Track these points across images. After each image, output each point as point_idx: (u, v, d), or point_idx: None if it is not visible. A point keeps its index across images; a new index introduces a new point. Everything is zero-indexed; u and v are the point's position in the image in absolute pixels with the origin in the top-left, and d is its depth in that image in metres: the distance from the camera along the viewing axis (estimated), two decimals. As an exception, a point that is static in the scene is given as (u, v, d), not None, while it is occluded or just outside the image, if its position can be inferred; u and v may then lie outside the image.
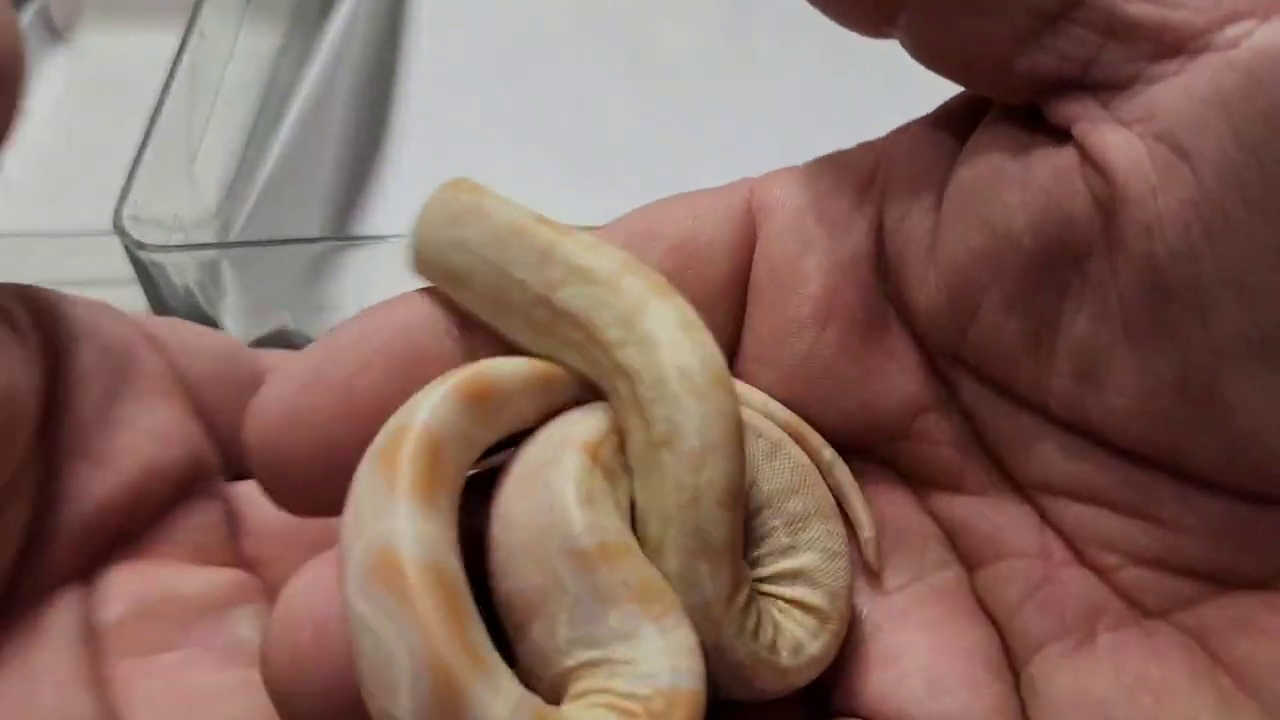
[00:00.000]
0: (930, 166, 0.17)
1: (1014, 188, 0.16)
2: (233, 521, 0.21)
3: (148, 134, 0.37)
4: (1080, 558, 0.17)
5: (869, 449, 0.18)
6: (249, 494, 0.21)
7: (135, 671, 0.18)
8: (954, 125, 0.17)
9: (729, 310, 0.18)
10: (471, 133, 0.47)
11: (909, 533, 0.18)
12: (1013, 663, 0.17)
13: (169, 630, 0.18)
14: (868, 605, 0.17)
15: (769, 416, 0.18)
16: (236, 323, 0.36)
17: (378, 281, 0.33)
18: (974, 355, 0.17)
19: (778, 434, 0.17)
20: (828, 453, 0.18)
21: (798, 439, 0.18)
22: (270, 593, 0.20)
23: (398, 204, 0.44)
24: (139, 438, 0.19)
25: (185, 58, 0.40)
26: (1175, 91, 0.14)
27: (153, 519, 0.19)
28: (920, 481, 0.18)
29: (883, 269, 0.18)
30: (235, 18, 0.45)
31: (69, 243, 0.39)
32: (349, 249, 0.36)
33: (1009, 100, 0.16)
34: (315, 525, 0.18)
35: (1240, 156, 0.14)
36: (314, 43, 0.47)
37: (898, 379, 0.18)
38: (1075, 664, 0.16)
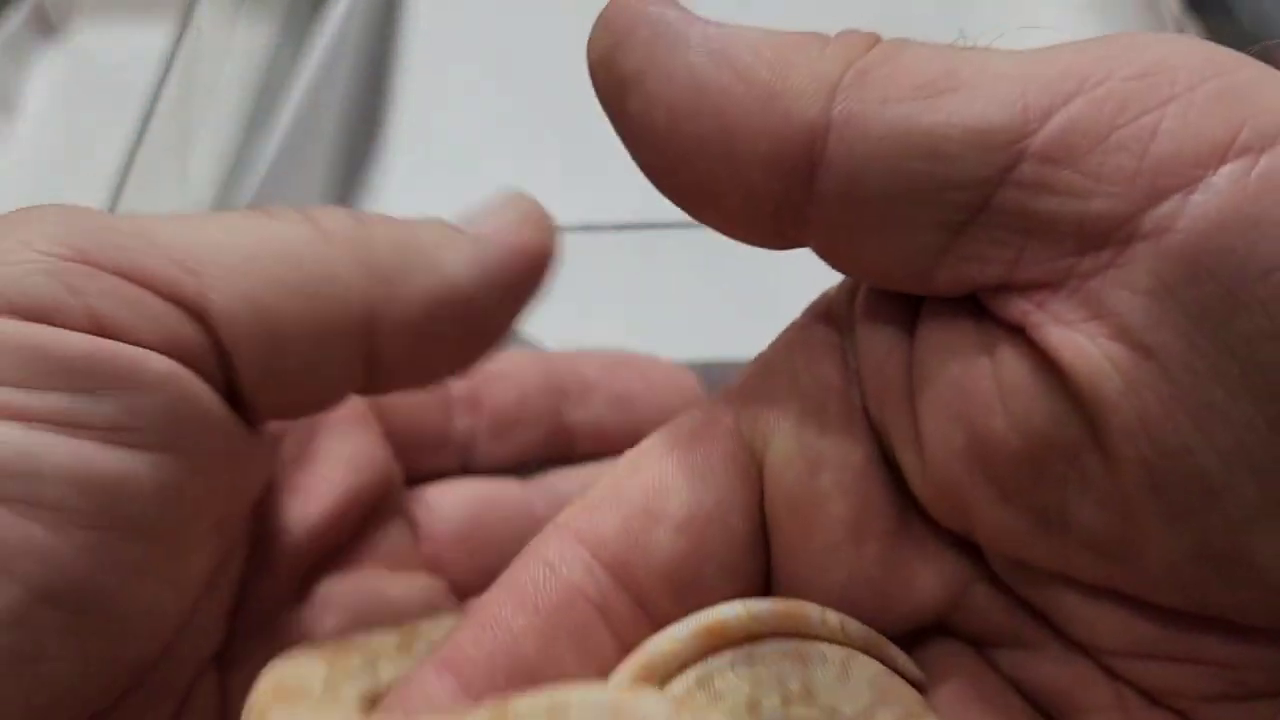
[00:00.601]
0: (891, 352, 0.16)
1: (987, 385, 0.15)
2: (413, 528, 0.22)
3: (142, 131, 0.36)
4: (1154, 702, 0.16)
5: (922, 628, 0.17)
6: (424, 499, 0.22)
7: None
8: (899, 302, 0.16)
9: (755, 556, 0.17)
10: (467, 130, 0.47)
11: (992, 695, 0.17)
12: None
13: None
14: None
15: (844, 633, 0.16)
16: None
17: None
18: (986, 541, 0.16)
19: (842, 653, 0.16)
20: (901, 659, 0.17)
21: (873, 649, 0.17)
22: (455, 594, 0.21)
23: (393, 201, 0.44)
24: (338, 468, 0.21)
25: (180, 54, 0.39)
26: (1115, 287, 0.13)
27: (353, 536, 0.21)
28: (983, 643, 0.17)
29: (884, 465, 0.17)
30: (230, 13, 0.44)
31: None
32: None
33: (941, 296, 0.15)
34: (485, 528, 0.21)
35: (1206, 343, 0.13)
36: (309, 39, 0.47)
37: (936, 570, 0.17)
38: None
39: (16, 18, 0.50)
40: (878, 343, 0.16)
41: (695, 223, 0.35)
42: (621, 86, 0.16)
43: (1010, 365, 0.14)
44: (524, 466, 0.24)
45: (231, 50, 0.44)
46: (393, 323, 0.16)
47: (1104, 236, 0.13)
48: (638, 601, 0.16)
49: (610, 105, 0.16)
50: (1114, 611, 0.16)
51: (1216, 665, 0.16)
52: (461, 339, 0.17)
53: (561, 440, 0.24)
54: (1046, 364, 0.14)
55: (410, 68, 0.50)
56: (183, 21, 0.41)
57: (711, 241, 0.34)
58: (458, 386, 0.23)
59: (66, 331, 0.14)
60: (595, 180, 0.46)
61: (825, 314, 0.17)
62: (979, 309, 0.15)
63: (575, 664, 0.15)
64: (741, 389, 0.17)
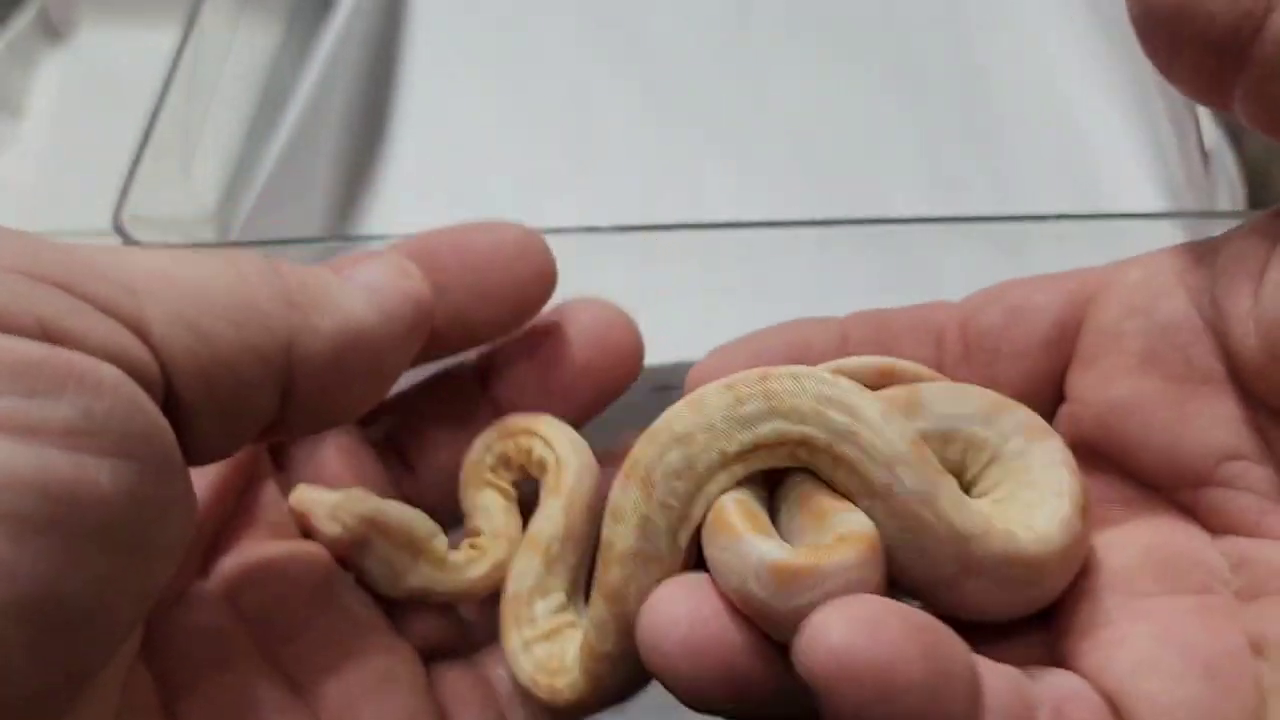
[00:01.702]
0: (1259, 245, 0.19)
1: None
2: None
3: (147, 133, 0.37)
4: None
5: (1178, 492, 0.20)
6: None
7: None
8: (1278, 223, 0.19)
9: (1047, 363, 0.22)
10: (470, 132, 0.47)
11: (1182, 557, 0.19)
12: (1273, 682, 0.17)
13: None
14: (1114, 605, 0.19)
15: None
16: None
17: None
18: None
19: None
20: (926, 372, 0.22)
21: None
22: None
23: (396, 204, 0.44)
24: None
25: (184, 57, 0.39)
26: None
27: (234, 512, 0.22)
28: (1221, 528, 0.20)
29: (1207, 330, 0.20)
30: (234, 16, 0.44)
31: (68, 242, 0.39)
32: (349, 248, 0.36)
33: None
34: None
35: None
36: (313, 42, 0.47)
37: (1210, 426, 0.19)
38: None
39: (22, 21, 0.50)
40: (1249, 239, 0.19)
41: (695, 224, 0.36)
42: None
43: None
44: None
45: (235, 53, 0.44)
46: (308, 354, 0.17)
47: None
48: (959, 358, 0.22)
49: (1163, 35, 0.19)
50: None
51: None
52: (364, 377, 0.19)
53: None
54: None
55: (413, 70, 0.50)
56: (187, 25, 0.41)
57: (711, 243, 0.34)
58: None
59: (18, 337, 0.14)
60: (596, 182, 0.47)
61: (1207, 240, 0.21)
62: None
63: None
64: (1114, 263, 0.22)
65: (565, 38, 0.51)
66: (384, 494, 0.23)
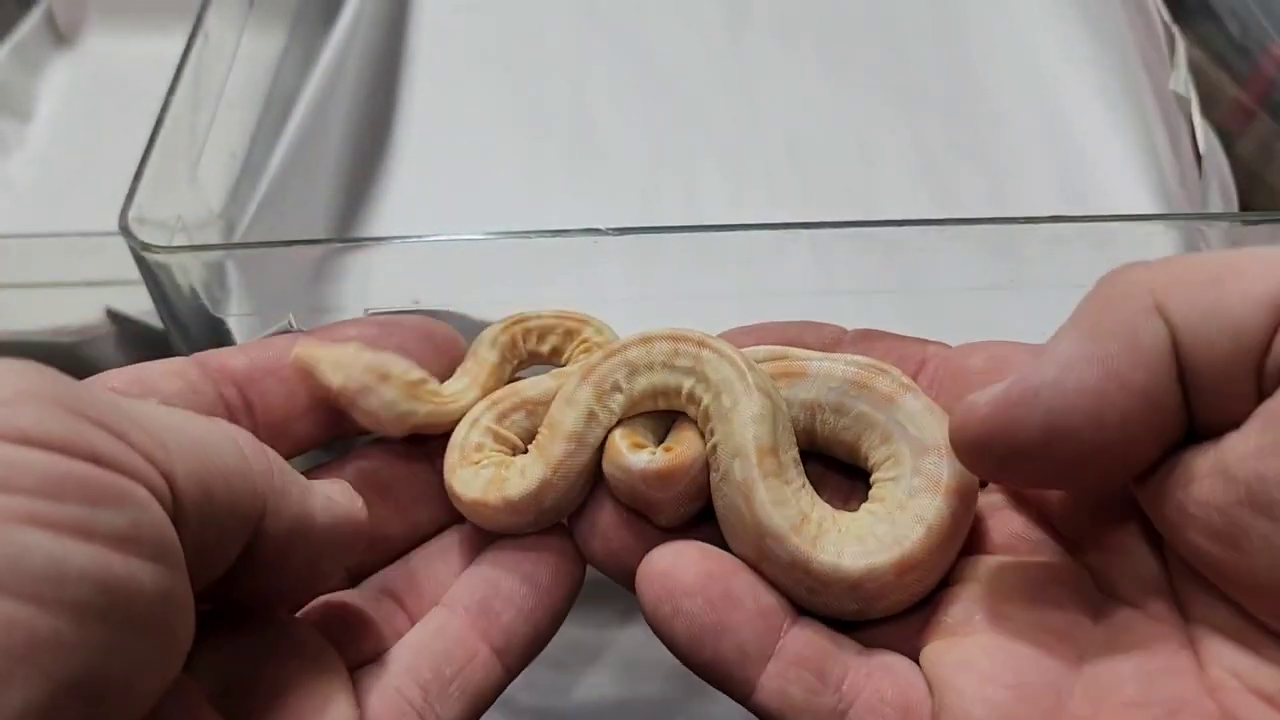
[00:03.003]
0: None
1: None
2: None
3: (153, 136, 0.37)
4: (1204, 670, 0.20)
5: (1070, 541, 0.23)
6: None
7: None
8: None
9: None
10: (473, 135, 0.48)
11: (1052, 593, 0.22)
12: (1078, 703, 0.20)
13: None
14: (978, 613, 0.22)
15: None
16: (241, 324, 0.36)
17: (381, 283, 0.34)
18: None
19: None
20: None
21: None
22: None
23: (401, 206, 0.44)
24: None
25: (190, 60, 0.40)
26: None
27: None
28: (1105, 590, 0.22)
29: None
30: (239, 21, 0.45)
31: (74, 244, 0.40)
32: (353, 250, 0.36)
33: None
34: None
35: None
36: (317, 46, 0.47)
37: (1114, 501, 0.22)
38: None
39: (28, 25, 0.50)
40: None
41: (691, 227, 0.36)
42: (1039, 449, 0.19)
43: None
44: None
45: (241, 57, 0.44)
46: (271, 528, 0.20)
47: None
48: (931, 384, 0.25)
49: (1025, 471, 0.20)
50: (1235, 615, 0.19)
51: None
52: (303, 567, 0.21)
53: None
54: None
55: (416, 75, 0.50)
56: (193, 29, 0.41)
57: (707, 245, 0.34)
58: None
59: (74, 461, 0.16)
60: (594, 185, 0.47)
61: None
62: None
63: None
64: None
65: (566, 44, 0.52)
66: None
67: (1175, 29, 0.46)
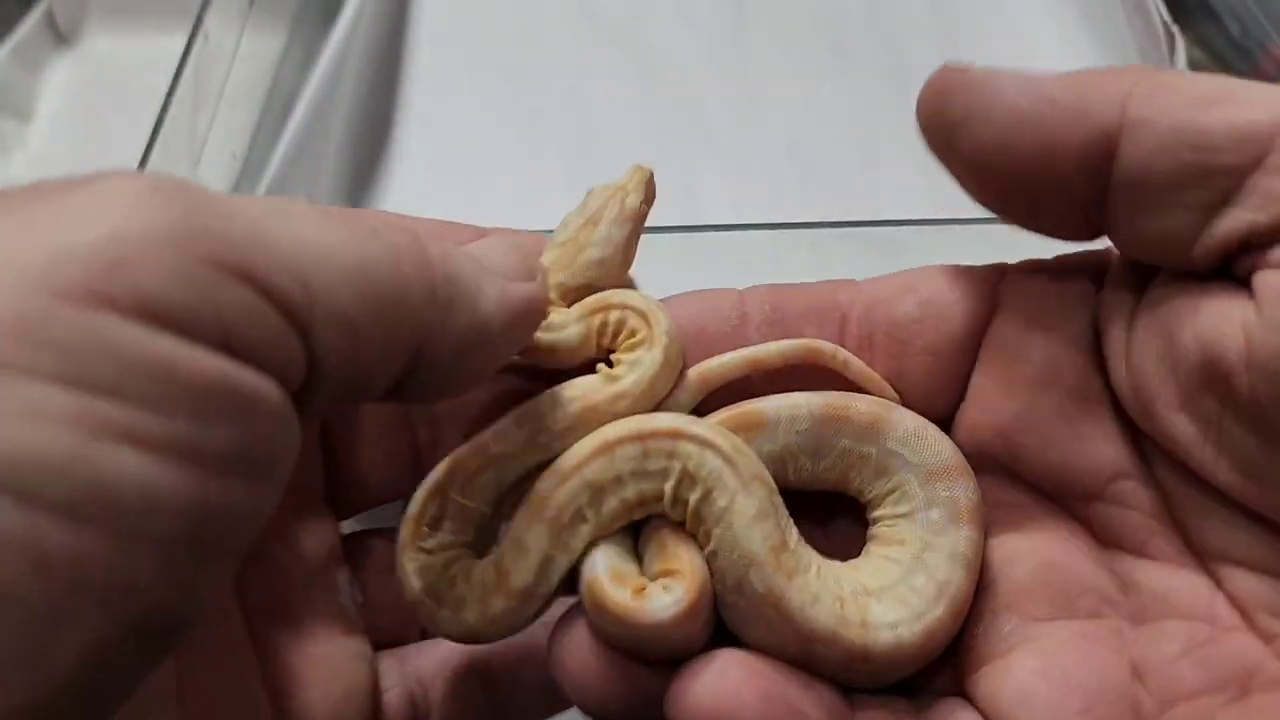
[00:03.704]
0: (1136, 283, 0.20)
1: (1188, 309, 0.18)
2: None
3: (153, 136, 0.37)
4: (1250, 623, 0.19)
5: (1070, 503, 0.21)
6: None
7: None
8: None
9: (956, 364, 0.21)
10: (474, 134, 0.48)
11: (1076, 578, 0.20)
12: (1150, 708, 0.19)
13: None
14: (1010, 629, 0.20)
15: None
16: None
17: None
18: (1157, 437, 0.20)
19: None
20: (840, 354, 0.22)
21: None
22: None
23: (401, 205, 0.44)
24: None
25: (190, 60, 0.40)
26: None
27: None
28: (1108, 542, 0.21)
29: (1096, 354, 0.20)
30: (239, 21, 0.45)
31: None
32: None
33: (1193, 270, 0.19)
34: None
35: None
36: (317, 45, 0.47)
37: (1101, 444, 0.20)
38: (1227, 715, 0.18)
39: (29, 25, 0.50)
40: (1125, 275, 0.20)
41: (691, 226, 0.36)
42: (951, 131, 0.19)
43: (1213, 296, 0.18)
44: None
45: (241, 57, 0.44)
46: (434, 353, 0.17)
47: None
48: (861, 343, 0.22)
49: (942, 149, 0.20)
50: (1250, 529, 0.19)
51: None
52: (472, 373, 0.19)
53: None
54: (1241, 296, 0.18)
55: (416, 74, 0.50)
56: (193, 29, 0.41)
57: (708, 244, 0.34)
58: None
59: (197, 350, 0.13)
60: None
61: (1106, 252, 0.21)
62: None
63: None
64: (1025, 262, 0.22)
65: (566, 43, 0.52)
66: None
67: (1175, 29, 0.46)
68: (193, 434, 0.13)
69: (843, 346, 0.22)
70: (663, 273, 0.34)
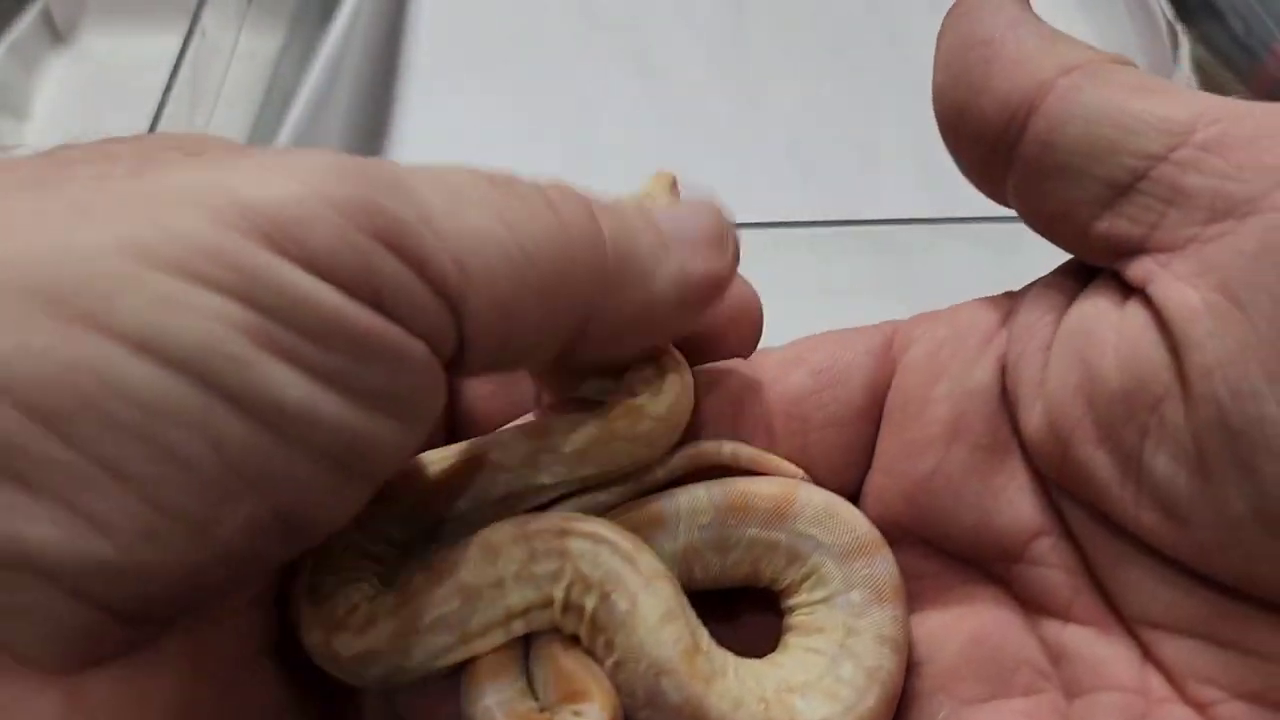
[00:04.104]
0: (1048, 313, 0.19)
1: (1109, 333, 0.18)
2: None
3: (150, 134, 0.37)
4: (1181, 693, 0.18)
5: (987, 565, 0.20)
6: None
7: None
8: (1074, 280, 0.19)
9: (861, 431, 0.20)
10: (472, 133, 0.47)
11: (1006, 653, 0.19)
12: None
13: None
14: (945, 709, 0.19)
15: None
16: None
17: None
18: (1073, 483, 0.19)
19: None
20: (727, 447, 0.20)
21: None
22: None
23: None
24: None
25: (187, 59, 0.40)
26: (1227, 250, 0.16)
27: None
28: (1033, 606, 0.20)
29: (1005, 400, 0.19)
30: (237, 19, 0.45)
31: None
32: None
33: (1090, 260, 0.19)
34: None
35: None
36: (315, 44, 0.47)
37: (1016, 501, 0.19)
38: None
39: (25, 23, 0.50)
40: (1037, 307, 0.19)
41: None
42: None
43: (1130, 318, 0.18)
44: None
45: (238, 55, 0.44)
46: (600, 327, 0.17)
47: (1228, 211, 0.16)
48: (758, 424, 0.20)
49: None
50: (1168, 576, 0.18)
51: (1258, 656, 0.17)
52: (638, 343, 0.19)
53: None
54: (1157, 317, 0.17)
55: (414, 73, 0.50)
56: (190, 27, 0.41)
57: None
58: None
59: (355, 304, 0.15)
60: (595, 183, 0.47)
61: (1008, 293, 0.21)
62: (1123, 289, 0.18)
63: None
64: (917, 316, 0.21)
65: (565, 41, 0.52)
66: None
67: (1179, 27, 0.46)
68: (347, 369, 0.15)
69: (740, 431, 0.20)
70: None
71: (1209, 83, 0.44)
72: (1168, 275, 0.17)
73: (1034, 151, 0.18)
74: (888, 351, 0.21)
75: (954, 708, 0.19)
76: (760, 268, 0.35)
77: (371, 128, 0.48)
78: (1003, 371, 0.19)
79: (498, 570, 0.18)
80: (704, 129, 0.48)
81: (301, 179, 0.15)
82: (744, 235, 0.32)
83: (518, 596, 0.18)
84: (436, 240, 0.15)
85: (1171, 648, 0.18)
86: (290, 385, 0.14)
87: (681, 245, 0.18)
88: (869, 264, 0.35)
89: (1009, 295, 0.21)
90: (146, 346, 0.13)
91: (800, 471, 0.20)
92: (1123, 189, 0.17)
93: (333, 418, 0.15)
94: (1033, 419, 0.19)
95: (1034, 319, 0.19)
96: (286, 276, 0.14)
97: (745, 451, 0.20)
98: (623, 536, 0.18)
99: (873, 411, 0.20)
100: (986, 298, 0.21)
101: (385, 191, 0.15)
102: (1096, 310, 0.18)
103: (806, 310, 0.28)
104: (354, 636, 0.18)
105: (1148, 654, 0.18)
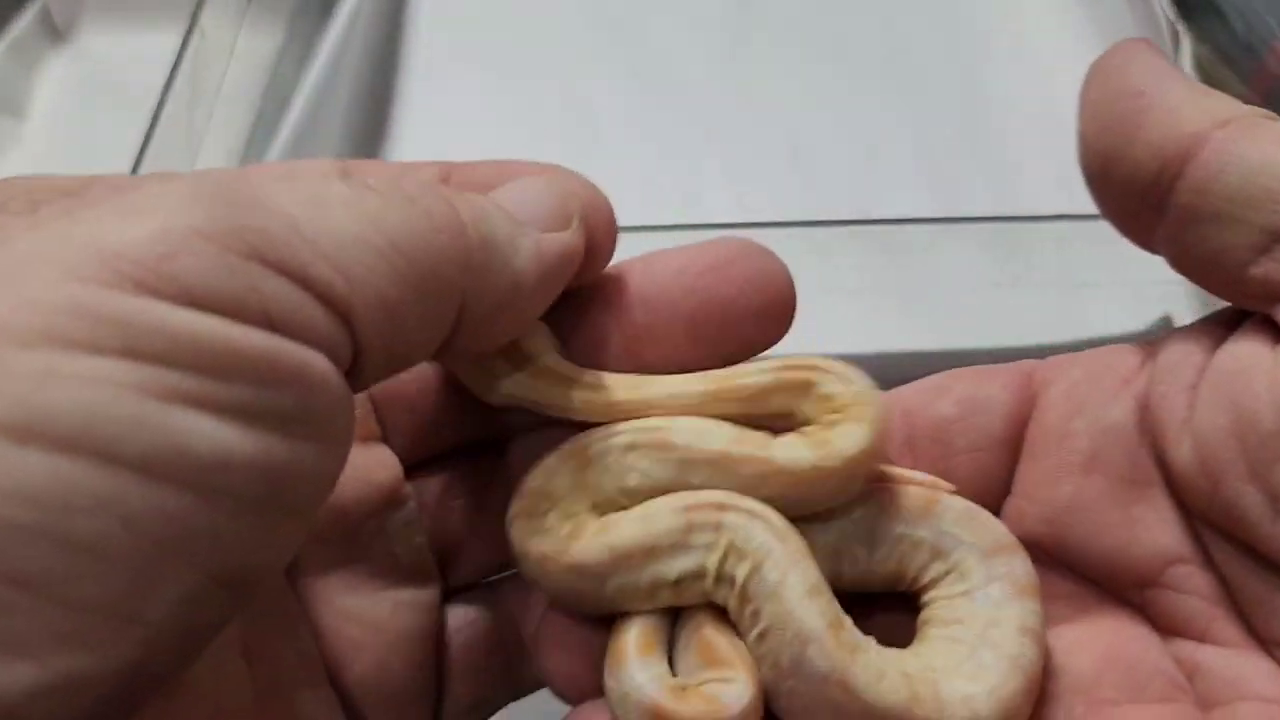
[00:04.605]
0: (1193, 355, 0.20)
1: (1261, 375, 0.18)
2: None
3: (149, 134, 0.37)
4: None
5: (1124, 591, 0.21)
6: None
7: None
8: (1218, 328, 0.20)
9: (1001, 459, 0.21)
10: (472, 132, 0.47)
11: (1141, 664, 0.20)
12: None
13: None
14: (1081, 706, 0.20)
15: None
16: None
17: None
18: (1222, 518, 0.19)
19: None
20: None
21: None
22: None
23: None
24: None
25: (186, 58, 0.40)
26: None
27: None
28: (1169, 630, 0.20)
29: (1146, 436, 0.20)
30: (236, 18, 0.45)
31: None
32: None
33: (1244, 305, 0.19)
34: None
35: None
36: (314, 43, 0.47)
37: (1155, 529, 0.20)
38: None
39: (24, 22, 0.50)
40: (1179, 350, 0.20)
41: (692, 224, 0.36)
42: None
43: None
44: None
45: (237, 54, 0.44)
46: (473, 313, 0.18)
47: None
48: (904, 448, 0.21)
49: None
50: None
51: None
52: (509, 325, 0.19)
53: None
54: None
55: (414, 72, 0.50)
56: (189, 26, 0.41)
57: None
58: None
59: (246, 329, 0.14)
60: (595, 182, 0.47)
61: (1147, 340, 0.21)
62: (1276, 333, 0.19)
63: None
64: (1055, 358, 0.22)
65: (565, 40, 0.52)
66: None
67: (1180, 26, 0.46)
68: (253, 399, 0.14)
69: (888, 450, 0.22)
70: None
71: (1209, 81, 0.44)
72: None
73: (1188, 200, 0.18)
74: (1028, 387, 0.22)
75: (1090, 707, 0.19)
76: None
77: (371, 128, 0.47)
78: (1143, 409, 0.20)
79: (654, 539, 0.19)
80: (704, 129, 0.48)
81: (160, 213, 0.14)
82: (744, 235, 0.32)
83: (672, 565, 0.19)
84: (310, 248, 0.15)
85: None
86: (196, 433, 0.13)
87: (532, 223, 0.19)
88: (869, 264, 0.35)
89: (1149, 341, 0.21)
90: (29, 434, 0.12)
91: (951, 485, 0.21)
92: (1276, 237, 0.18)
93: (249, 457, 0.14)
94: (1181, 455, 0.19)
95: (1177, 360, 0.20)
96: (166, 317, 0.13)
97: (895, 471, 0.21)
98: (775, 516, 0.19)
99: (1013, 442, 0.21)
100: (1125, 345, 0.22)
101: (247, 208, 0.15)
102: (1249, 352, 0.19)
103: (806, 310, 0.28)
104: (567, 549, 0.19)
105: None
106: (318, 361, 0.15)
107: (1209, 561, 0.20)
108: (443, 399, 0.22)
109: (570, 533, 0.19)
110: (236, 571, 0.14)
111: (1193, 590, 0.20)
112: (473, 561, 0.23)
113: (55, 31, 0.52)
